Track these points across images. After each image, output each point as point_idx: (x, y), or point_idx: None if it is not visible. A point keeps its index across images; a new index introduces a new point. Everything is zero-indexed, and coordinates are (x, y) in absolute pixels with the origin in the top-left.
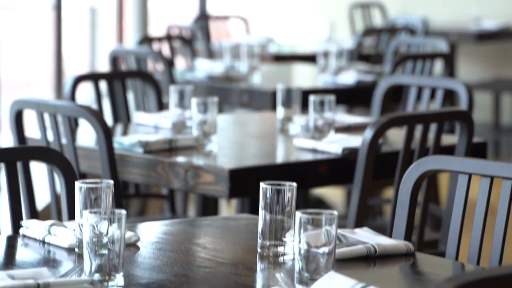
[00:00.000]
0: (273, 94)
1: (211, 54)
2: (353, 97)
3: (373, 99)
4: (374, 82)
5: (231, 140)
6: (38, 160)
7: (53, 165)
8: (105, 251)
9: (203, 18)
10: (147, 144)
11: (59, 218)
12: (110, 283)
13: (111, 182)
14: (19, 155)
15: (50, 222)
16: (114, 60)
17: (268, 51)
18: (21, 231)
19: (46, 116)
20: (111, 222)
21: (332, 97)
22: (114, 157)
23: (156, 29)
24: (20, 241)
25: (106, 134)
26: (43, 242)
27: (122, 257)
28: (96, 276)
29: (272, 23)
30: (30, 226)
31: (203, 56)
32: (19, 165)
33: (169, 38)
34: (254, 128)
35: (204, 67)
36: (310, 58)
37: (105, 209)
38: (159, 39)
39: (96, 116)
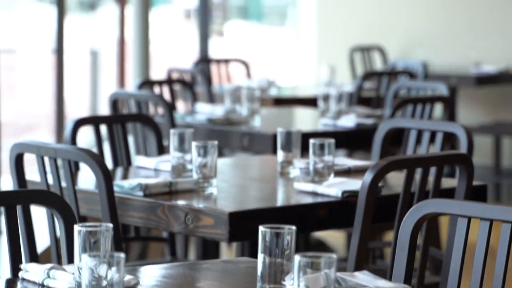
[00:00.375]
0: (274, 138)
1: (211, 97)
2: (353, 141)
3: (373, 143)
4: (374, 126)
5: (231, 183)
6: (37, 204)
7: (53, 209)
8: None
9: (204, 61)
10: (147, 187)
11: (59, 261)
12: None
13: (110, 225)
14: (19, 199)
15: (49, 265)
16: (115, 103)
17: (268, 94)
18: (21, 274)
19: (46, 159)
20: (110, 265)
21: (332, 141)
22: (114, 200)
23: (157, 72)
24: (19, 284)
25: (106, 177)
26: (42, 286)
27: None
28: None
29: (273, 66)
30: (29, 270)
31: (203, 99)
32: (19, 208)
33: (169, 81)
34: (254, 171)
35: (205, 110)
36: (310, 102)
37: (104, 252)
38: (160, 83)
39: (96, 159)
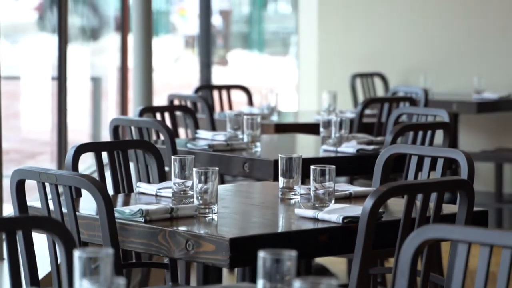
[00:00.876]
0: (275, 164)
1: (213, 123)
2: (354, 167)
3: (374, 169)
4: (375, 152)
5: (232, 209)
6: (38, 230)
7: (54, 235)
8: None
9: (206, 88)
10: (148, 213)
11: (60, 287)
12: None
13: (111, 251)
14: (19, 225)
15: None
16: (115, 129)
17: (270, 120)
18: None
19: (48, 185)
20: None
21: (333, 167)
22: (115, 226)
23: (159, 100)
24: None
25: (107, 203)
26: None
27: None
28: None
29: (274, 94)
30: None
31: (205, 125)
32: (20, 234)
33: (171, 108)
34: (255, 197)
35: (206, 137)
36: (312, 128)
37: (104, 278)
38: (161, 109)
39: (96, 185)
